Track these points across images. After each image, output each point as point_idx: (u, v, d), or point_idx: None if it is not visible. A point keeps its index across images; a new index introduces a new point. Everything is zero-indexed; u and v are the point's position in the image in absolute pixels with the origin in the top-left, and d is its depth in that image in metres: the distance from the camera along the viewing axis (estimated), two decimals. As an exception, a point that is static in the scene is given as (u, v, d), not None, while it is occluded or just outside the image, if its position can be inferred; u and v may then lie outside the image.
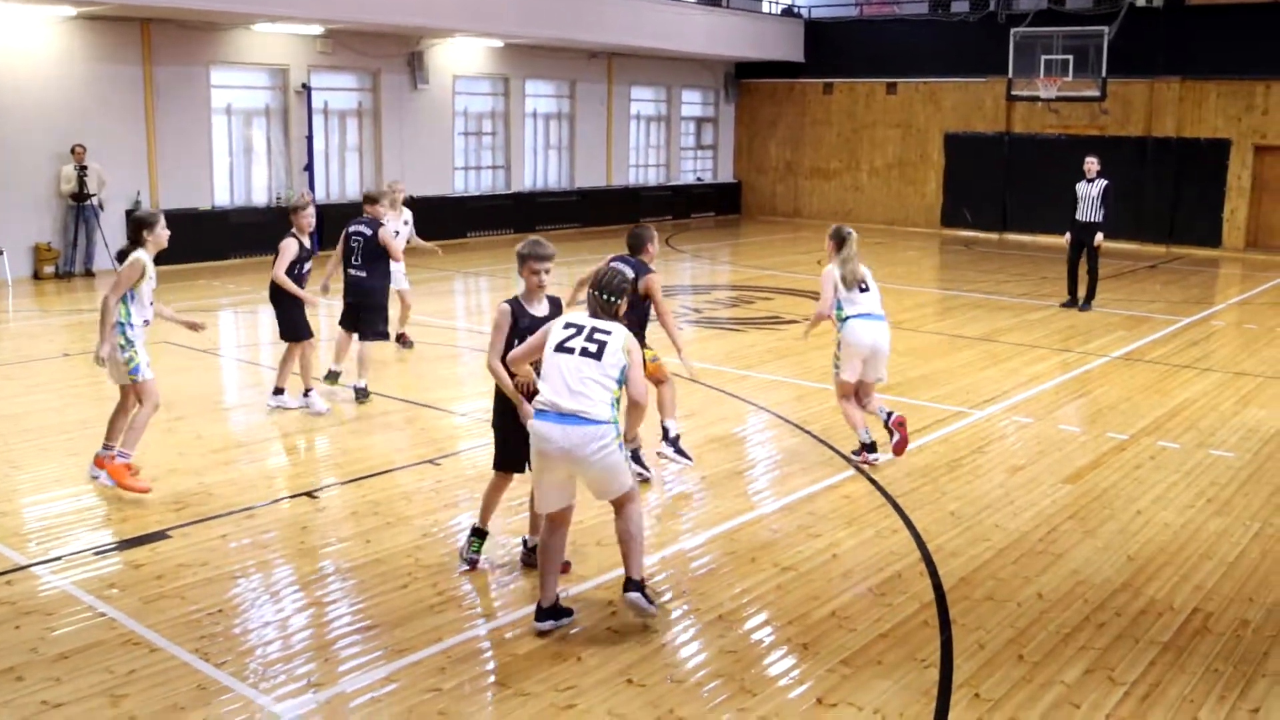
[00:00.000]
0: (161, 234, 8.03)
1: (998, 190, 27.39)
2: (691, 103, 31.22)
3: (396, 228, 12.34)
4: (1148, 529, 7.60)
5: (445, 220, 22.29)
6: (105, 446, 8.15)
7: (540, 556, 6.03)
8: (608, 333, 5.82)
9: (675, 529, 7.47)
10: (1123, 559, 7.06)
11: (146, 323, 8.04)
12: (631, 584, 5.96)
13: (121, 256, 8.04)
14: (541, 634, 5.88)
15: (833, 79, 30.00)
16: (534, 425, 5.82)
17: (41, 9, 17.54)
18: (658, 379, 8.35)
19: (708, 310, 16.22)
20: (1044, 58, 24.43)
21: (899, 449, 8.91)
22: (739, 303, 16.92)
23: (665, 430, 8.59)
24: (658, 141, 30.49)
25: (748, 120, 31.88)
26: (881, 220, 29.37)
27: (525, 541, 6.85)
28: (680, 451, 8.61)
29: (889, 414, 8.95)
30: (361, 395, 10.58)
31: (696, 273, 21.16)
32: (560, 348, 5.80)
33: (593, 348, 5.75)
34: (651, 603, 6.00)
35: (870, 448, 8.92)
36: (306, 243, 10.14)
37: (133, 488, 7.86)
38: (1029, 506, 8.00)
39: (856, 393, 9.01)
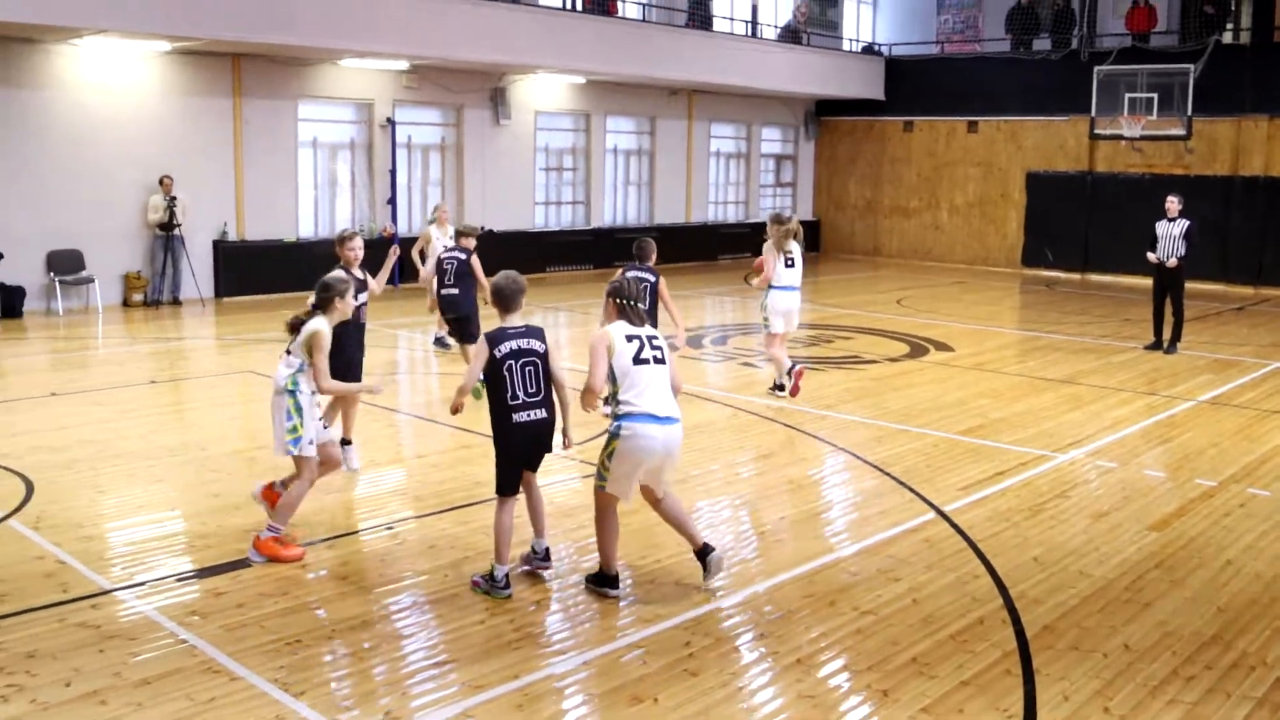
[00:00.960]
0: (350, 304, 7.58)
1: (1080, 230, 27.04)
2: (771, 140, 31.25)
3: (446, 242, 14.50)
4: (1238, 580, 7.40)
5: (525, 255, 22.37)
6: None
7: (609, 532, 6.84)
8: (657, 337, 6.86)
9: (752, 571, 7.41)
10: (1212, 610, 6.88)
11: (314, 392, 7.50)
12: (706, 548, 6.96)
13: (295, 325, 7.43)
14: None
15: (913, 117, 29.88)
16: (639, 427, 6.60)
17: (138, 44, 18.02)
18: None
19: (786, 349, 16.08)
20: (1128, 96, 24.15)
21: (793, 393, 12.36)
22: (818, 342, 16.82)
23: None
24: (737, 178, 30.53)
25: (827, 158, 31.82)
26: (962, 260, 29.15)
27: (534, 548, 7.22)
28: None
29: (794, 364, 12.50)
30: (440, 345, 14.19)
31: (773, 310, 21.03)
32: (638, 360, 6.69)
33: (659, 355, 6.79)
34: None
35: (781, 388, 12.53)
36: (358, 274, 9.38)
37: (288, 559, 7.32)
38: (1114, 554, 7.82)
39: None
